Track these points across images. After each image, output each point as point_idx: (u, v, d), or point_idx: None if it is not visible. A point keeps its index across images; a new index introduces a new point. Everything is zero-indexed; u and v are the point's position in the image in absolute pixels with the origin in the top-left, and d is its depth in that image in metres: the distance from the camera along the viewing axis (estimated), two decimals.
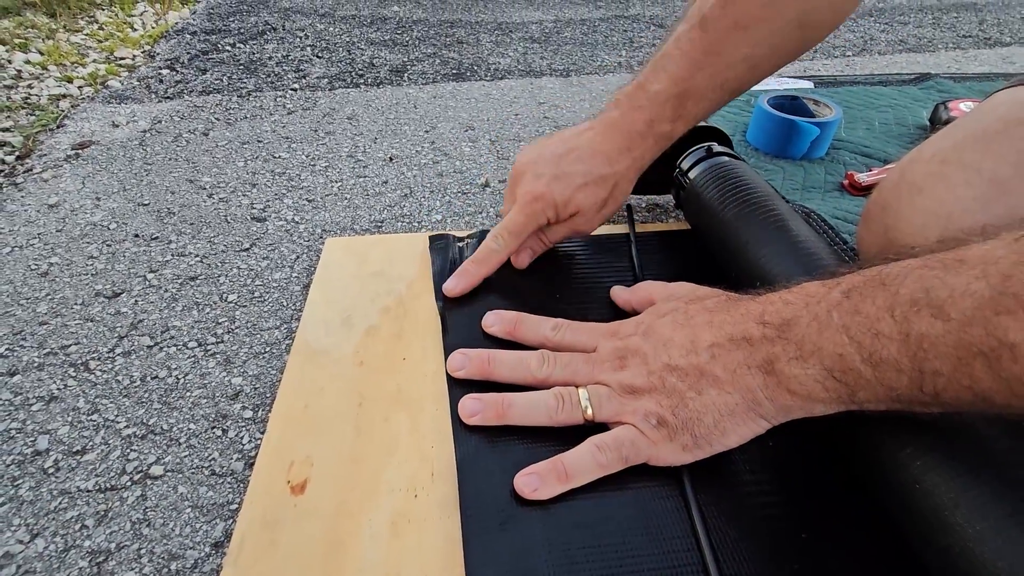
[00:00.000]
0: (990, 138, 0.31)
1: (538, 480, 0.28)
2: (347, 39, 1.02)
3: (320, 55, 0.94)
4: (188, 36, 1.01)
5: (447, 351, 0.37)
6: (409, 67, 0.91)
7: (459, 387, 0.34)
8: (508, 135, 0.70)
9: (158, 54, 0.94)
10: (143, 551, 0.28)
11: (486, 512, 0.28)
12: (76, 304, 0.43)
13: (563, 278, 0.44)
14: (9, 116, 0.73)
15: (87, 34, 1.04)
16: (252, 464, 0.32)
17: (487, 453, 0.31)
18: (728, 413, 0.27)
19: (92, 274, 0.46)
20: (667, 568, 0.26)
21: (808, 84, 0.83)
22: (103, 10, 1.16)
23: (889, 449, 0.26)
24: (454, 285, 0.40)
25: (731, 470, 0.30)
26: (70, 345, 0.40)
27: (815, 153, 0.63)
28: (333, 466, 0.31)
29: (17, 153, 0.65)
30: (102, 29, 1.07)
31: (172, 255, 0.48)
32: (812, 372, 0.24)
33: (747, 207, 0.40)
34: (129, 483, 0.32)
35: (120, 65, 0.91)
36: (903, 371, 0.21)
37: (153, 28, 1.08)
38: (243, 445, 0.34)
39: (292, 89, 0.82)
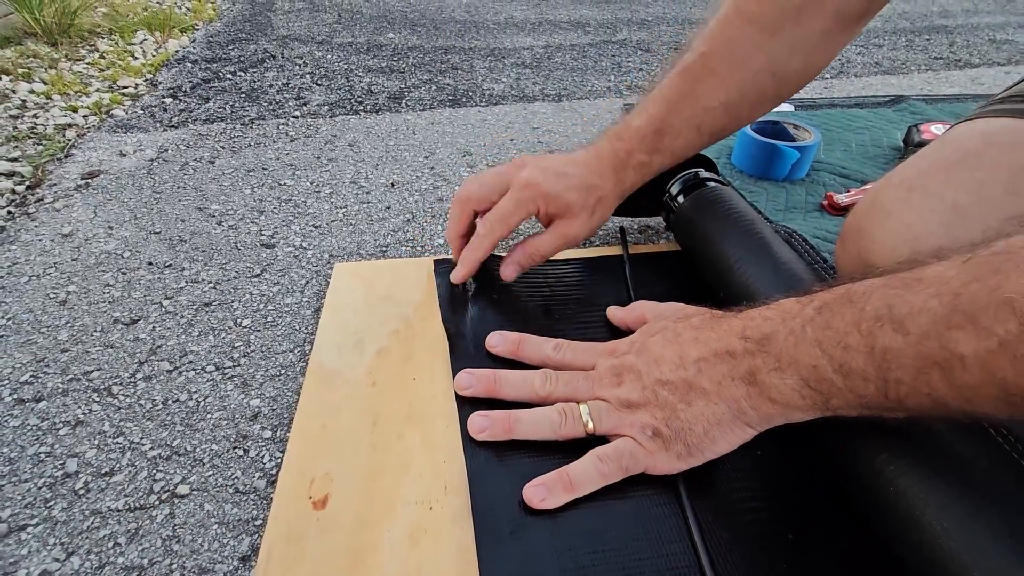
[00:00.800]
0: (951, 167, 0.34)
1: (545, 490, 0.30)
2: (345, 66, 1.05)
3: (319, 82, 0.97)
4: (189, 64, 1.04)
5: (455, 371, 0.39)
6: (406, 93, 0.94)
7: (468, 405, 0.37)
8: (505, 160, 0.73)
9: (160, 83, 0.97)
10: (175, 566, 0.30)
11: (497, 522, 0.30)
12: (96, 331, 0.45)
13: (561, 299, 0.46)
14: (17, 146, 0.75)
15: (89, 63, 1.06)
16: (274, 482, 0.34)
17: (496, 466, 0.33)
18: (716, 422, 0.29)
19: (109, 302, 0.48)
20: (667, 570, 0.29)
21: (789, 107, 0.87)
22: (103, 39, 1.19)
23: (865, 456, 0.28)
24: (455, 274, 0.45)
25: (723, 478, 0.33)
26: (92, 371, 0.42)
27: (796, 175, 0.67)
28: (352, 482, 0.33)
29: (28, 183, 0.67)
30: (103, 58, 1.09)
31: (186, 282, 0.50)
32: (790, 382, 0.27)
33: (733, 230, 0.43)
34: (157, 502, 0.33)
35: (123, 94, 0.94)
36: (870, 380, 0.24)
37: (154, 56, 1.10)
38: (264, 464, 0.36)
39: (293, 116, 0.84)
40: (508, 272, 0.45)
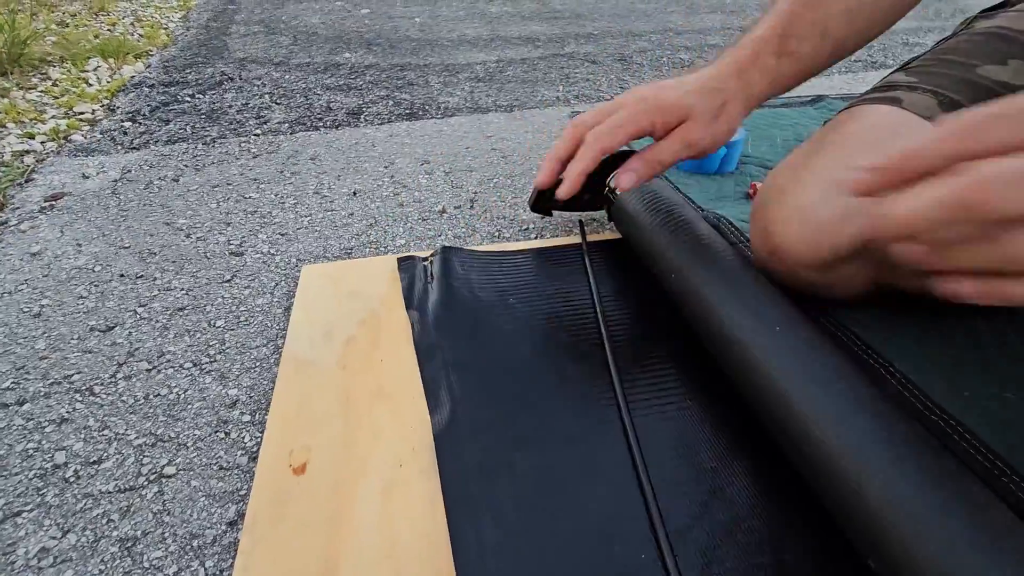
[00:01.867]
0: (825, 148, 0.40)
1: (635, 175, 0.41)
2: (303, 85, 1.08)
3: (279, 101, 1.01)
4: (146, 89, 1.06)
5: (418, 353, 0.43)
6: (365, 109, 0.98)
7: (437, 379, 0.40)
8: (461, 167, 0.78)
9: (118, 107, 0.98)
10: (167, 534, 0.33)
11: (460, 472, 0.34)
12: (73, 339, 0.47)
13: (515, 286, 0.51)
14: None
15: (42, 91, 1.07)
16: (255, 458, 0.37)
17: (457, 427, 0.37)
18: None
19: (84, 312, 0.50)
20: (612, 507, 0.33)
21: None
22: (55, 67, 1.19)
23: (767, 381, 0.34)
24: (561, 190, 0.43)
25: (662, 410, 0.37)
26: (73, 374, 0.44)
27: (726, 168, 0.74)
28: (328, 450, 0.36)
29: None
30: (56, 85, 1.10)
31: (159, 290, 0.53)
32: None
33: (660, 216, 0.49)
34: (146, 482, 0.36)
35: (81, 120, 0.95)
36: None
37: (109, 83, 1.11)
38: (245, 443, 0.39)
39: (255, 135, 0.87)
40: (625, 180, 0.43)
